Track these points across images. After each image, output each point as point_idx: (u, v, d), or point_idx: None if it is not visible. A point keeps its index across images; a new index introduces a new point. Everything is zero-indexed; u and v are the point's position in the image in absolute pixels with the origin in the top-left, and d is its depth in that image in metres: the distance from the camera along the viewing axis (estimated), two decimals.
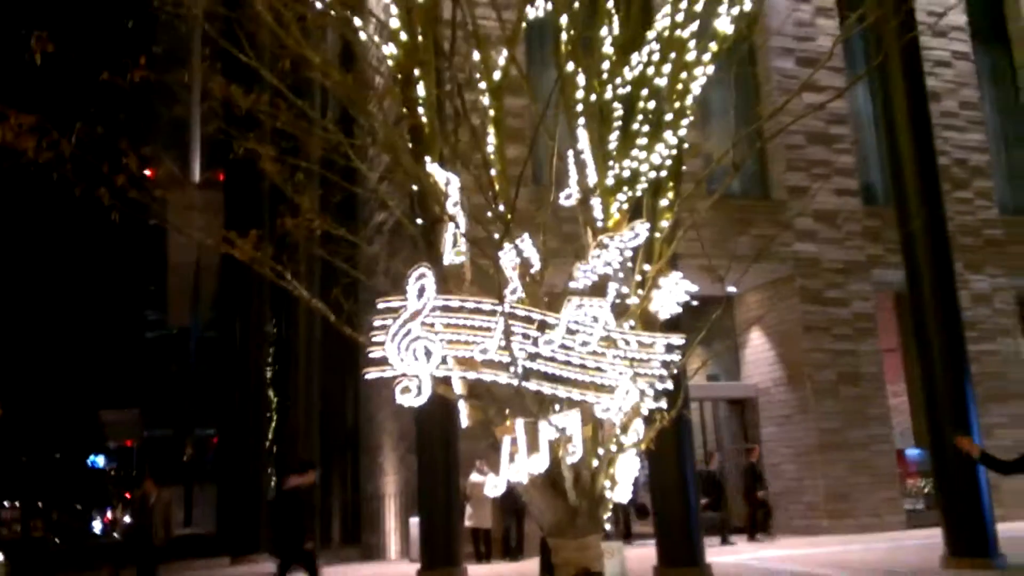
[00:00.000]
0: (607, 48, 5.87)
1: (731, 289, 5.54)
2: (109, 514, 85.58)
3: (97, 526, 75.75)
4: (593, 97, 5.73)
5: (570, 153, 5.64)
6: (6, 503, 52.13)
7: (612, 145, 5.74)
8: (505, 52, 5.80)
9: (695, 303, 5.61)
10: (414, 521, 14.42)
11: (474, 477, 13.63)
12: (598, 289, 5.37)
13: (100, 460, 75.07)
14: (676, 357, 5.40)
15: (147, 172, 5.54)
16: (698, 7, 5.77)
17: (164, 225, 6.56)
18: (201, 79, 6.25)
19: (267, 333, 20.78)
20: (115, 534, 65.00)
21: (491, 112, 5.90)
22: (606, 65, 5.87)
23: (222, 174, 34.22)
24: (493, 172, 5.70)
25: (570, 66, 5.62)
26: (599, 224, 5.57)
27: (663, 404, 5.45)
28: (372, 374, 5.34)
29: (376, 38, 5.64)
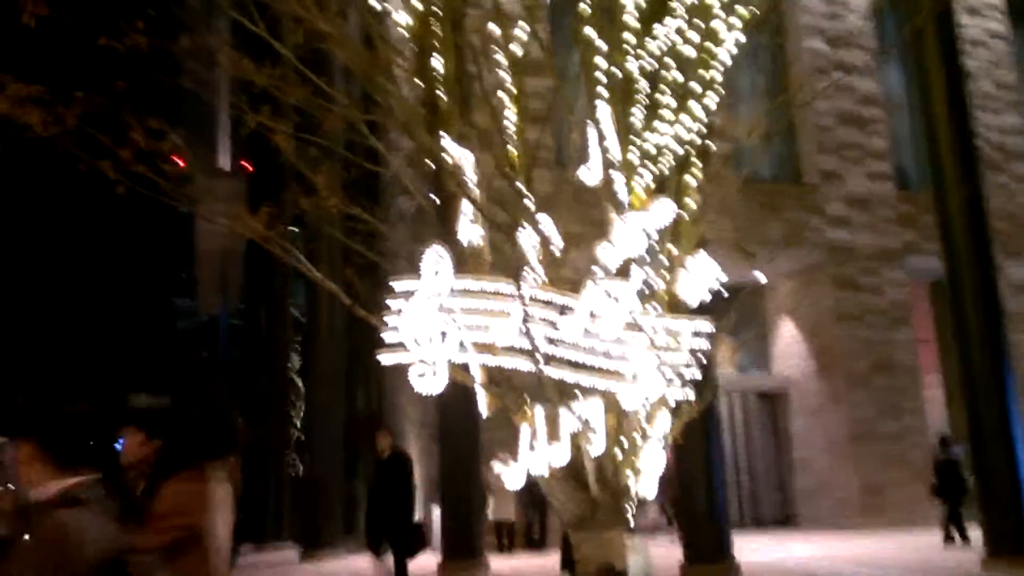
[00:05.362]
0: (629, 18, 5.59)
1: (760, 277, 5.27)
2: None
3: None
4: (615, 69, 5.46)
5: (591, 127, 5.39)
6: None
7: (636, 119, 5.47)
8: (526, 27, 5.54)
9: (724, 291, 5.36)
10: (436, 511, 14.29)
11: (497, 468, 13.46)
12: (622, 272, 5.13)
13: None
14: (704, 344, 5.15)
15: (179, 162, 5.39)
16: None
17: (186, 206, 6.41)
18: (221, 55, 6.06)
19: (291, 320, 20.80)
20: None
21: (512, 88, 5.66)
22: (628, 36, 5.59)
23: (250, 164, 34.24)
24: (512, 150, 5.47)
25: (590, 33, 5.36)
26: (622, 202, 5.32)
27: (690, 394, 5.20)
28: (387, 358, 5.15)
29: (389, 6, 5.42)
